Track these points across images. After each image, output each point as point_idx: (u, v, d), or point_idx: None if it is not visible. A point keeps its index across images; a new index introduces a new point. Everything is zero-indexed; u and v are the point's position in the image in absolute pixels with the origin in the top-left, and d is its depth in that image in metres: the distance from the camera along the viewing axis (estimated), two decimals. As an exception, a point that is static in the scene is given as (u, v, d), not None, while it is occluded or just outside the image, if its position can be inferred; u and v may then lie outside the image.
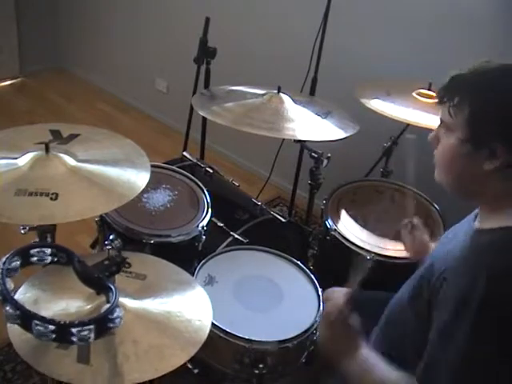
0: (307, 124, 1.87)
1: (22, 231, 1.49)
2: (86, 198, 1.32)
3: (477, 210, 1.17)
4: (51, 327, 0.99)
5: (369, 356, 1.19)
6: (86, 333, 1.00)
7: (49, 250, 1.14)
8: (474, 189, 1.12)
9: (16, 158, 1.37)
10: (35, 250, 1.13)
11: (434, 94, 2.01)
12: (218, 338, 1.44)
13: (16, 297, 1.05)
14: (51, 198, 1.26)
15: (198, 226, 1.77)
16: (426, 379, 1.08)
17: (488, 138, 1.04)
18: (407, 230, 1.62)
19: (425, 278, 1.17)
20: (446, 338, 1.03)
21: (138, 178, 1.41)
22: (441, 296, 1.07)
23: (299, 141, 2.04)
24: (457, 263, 1.07)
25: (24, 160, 1.36)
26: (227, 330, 1.45)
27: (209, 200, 1.89)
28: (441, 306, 1.06)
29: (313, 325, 1.52)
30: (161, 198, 1.89)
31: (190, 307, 1.29)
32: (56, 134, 1.50)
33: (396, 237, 1.85)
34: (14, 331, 1.10)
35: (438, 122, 1.15)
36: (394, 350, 1.25)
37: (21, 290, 1.23)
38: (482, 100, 1.05)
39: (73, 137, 1.51)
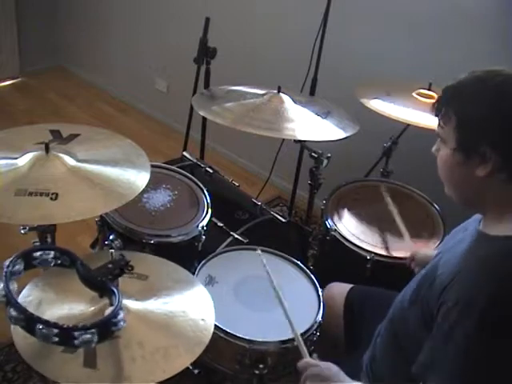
0: (307, 124, 1.87)
1: (22, 231, 1.49)
2: (86, 198, 1.32)
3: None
4: (54, 331, 0.99)
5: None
6: (89, 336, 1.00)
7: (52, 253, 1.14)
8: (474, 197, 1.13)
9: (16, 158, 1.37)
10: (38, 252, 1.13)
11: (434, 94, 2.01)
12: (218, 338, 1.43)
13: (19, 299, 1.05)
14: (51, 198, 1.26)
15: (197, 226, 1.77)
16: (424, 378, 1.08)
17: (476, 143, 1.07)
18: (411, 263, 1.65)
19: (427, 279, 1.18)
20: (447, 340, 1.04)
21: (137, 178, 1.41)
22: (444, 299, 1.07)
23: (299, 141, 2.04)
24: (461, 268, 1.08)
25: (24, 160, 1.36)
26: (228, 330, 1.45)
27: (209, 200, 1.89)
28: (444, 310, 1.06)
29: (313, 325, 1.51)
30: (161, 197, 1.89)
31: (192, 307, 1.28)
32: (56, 134, 1.50)
33: (396, 237, 1.86)
34: (18, 334, 1.09)
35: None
36: (397, 348, 1.27)
37: (24, 292, 1.22)
38: (465, 107, 1.08)
39: (73, 137, 1.51)
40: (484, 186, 1.09)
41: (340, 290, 1.67)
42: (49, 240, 1.51)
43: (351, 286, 1.68)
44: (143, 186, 1.38)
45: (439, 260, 1.20)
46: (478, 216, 1.20)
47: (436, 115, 1.15)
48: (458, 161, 1.10)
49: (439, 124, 1.14)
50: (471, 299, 1.01)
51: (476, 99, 1.07)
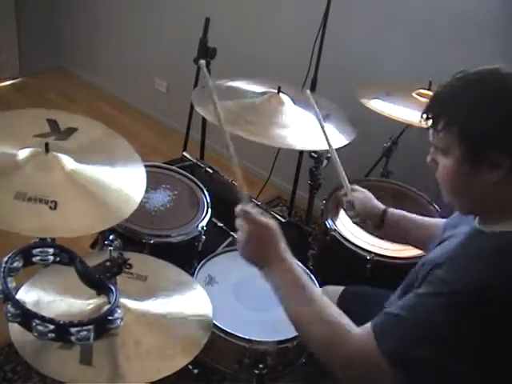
0: (305, 131, 1.83)
1: (22, 231, 1.49)
2: (85, 214, 1.28)
3: None
4: (51, 327, 0.99)
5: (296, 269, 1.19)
6: (85, 333, 1.00)
7: (51, 250, 1.14)
8: (479, 202, 1.09)
9: (14, 155, 1.34)
10: (37, 249, 1.13)
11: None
12: (218, 338, 1.44)
13: (17, 296, 1.05)
14: (50, 207, 1.24)
15: (197, 226, 1.77)
16: (381, 331, 1.06)
17: (484, 150, 1.02)
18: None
19: (415, 274, 1.15)
20: (417, 305, 1.03)
21: (133, 192, 1.38)
22: (428, 277, 1.05)
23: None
24: (454, 258, 1.05)
25: (24, 160, 1.35)
26: (227, 330, 1.45)
27: (209, 200, 1.89)
28: (425, 283, 1.05)
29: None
30: (161, 198, 1.89)
31: (190, 308, 1.29)
32: (53, 126, 1.47)
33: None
34: (16, 332, 1.10)
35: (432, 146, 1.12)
36: None
37: (23, 289, 1.23)
38: (467, 115, 1.03)
39: (71, 131, 1.49)
40: (492, 191, 1.05)
41: (333, 291, 1.65)
42: (49, 240, 1.51)
43: (344, 287, 1.66)
44: (138, 203, 1.35)
45: (431, 257, 1.16)
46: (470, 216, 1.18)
47: (430, 127, 1.08)
48: (465, 171, 1.05)
49: (436, 134, 1.07)
50: (460, 291, 0.98)
51: (479, 106, 1.02)
